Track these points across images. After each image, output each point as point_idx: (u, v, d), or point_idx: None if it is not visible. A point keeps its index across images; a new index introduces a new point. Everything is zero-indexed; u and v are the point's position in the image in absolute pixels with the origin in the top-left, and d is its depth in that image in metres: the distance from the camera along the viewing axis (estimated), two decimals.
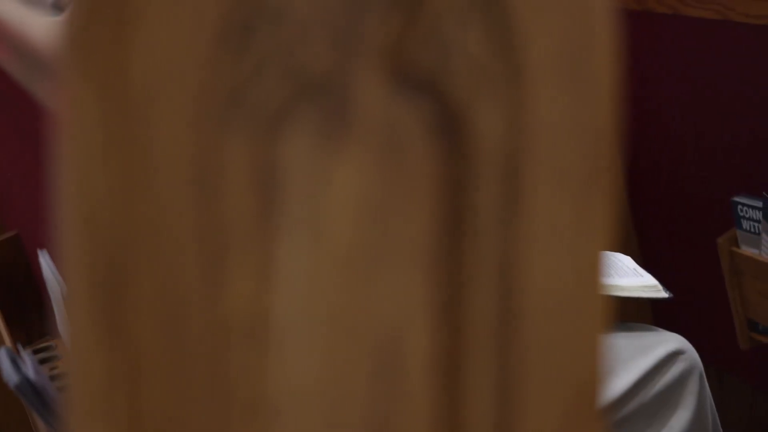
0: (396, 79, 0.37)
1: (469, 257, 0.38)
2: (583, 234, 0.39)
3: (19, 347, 1.38)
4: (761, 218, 1.36)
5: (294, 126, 0.36)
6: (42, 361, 1.55)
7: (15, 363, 1.03)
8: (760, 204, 1.35)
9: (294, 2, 0.35)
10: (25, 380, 1.00)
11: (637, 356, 1.05)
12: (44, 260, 1.22)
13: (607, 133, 0.39)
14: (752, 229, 1.40)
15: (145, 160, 0.33)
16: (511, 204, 0.38)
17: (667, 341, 1.08)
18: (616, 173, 0.40)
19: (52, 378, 1.39)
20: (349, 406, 0.38)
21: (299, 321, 0.37)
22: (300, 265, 0.37)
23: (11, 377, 1.03)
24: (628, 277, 1.10)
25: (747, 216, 1.40)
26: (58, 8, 0.71)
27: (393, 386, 0.39)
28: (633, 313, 1.88)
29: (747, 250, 1.42)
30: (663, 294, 1.10)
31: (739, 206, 1.41)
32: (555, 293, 0.39)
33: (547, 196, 0.38)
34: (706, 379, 1.10)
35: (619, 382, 1.03)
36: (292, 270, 0.37)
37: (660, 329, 1.11)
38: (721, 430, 1.14)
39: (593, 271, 0.40)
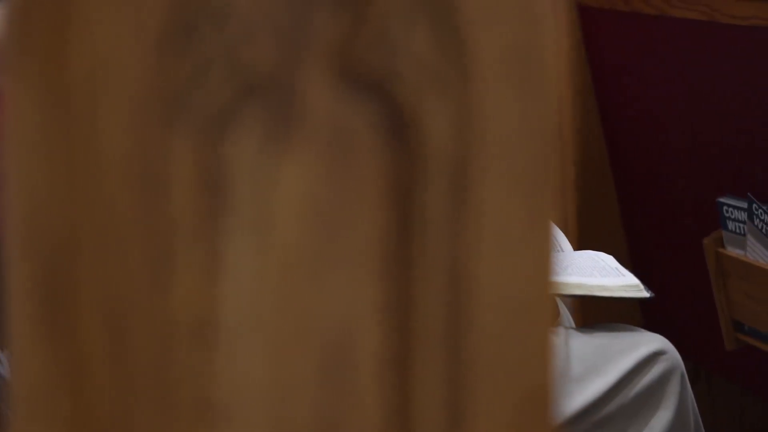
0: (344, 79, 0.37)
1: (418, 258, 0.38)
2: (534, 234, 0.39)
3: None
4: (746, 219, 1.36)
5: (240, 126, 0.36)
6: None
7: None
8: (745, 205, 1.35)
9: (238, 3, 0.35)
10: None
11: (617, 357, 1.06)
12: None
13: (557, 133, 0.39)
14: (738, 230, 1.40)
15: (87, 161, 0.33)
16: (459, 204, 0.38)
17: (648, 342, 1.08)
18: (567, 173, 0.40)
19: None
20: (298, 406, 0.38)
21: (246, 321, 0.37)
22: (247, 266, 0.37)
23: None
24: (610, 276, 1.10)
25: (732, 217, 1.40)
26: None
27: (343, 387, 0.39)
28: (623, 314, 1.88)
29: (733, 251, 1.42)
30: (644, 294, 1.10)
31: (725, 207, 1.41)
32: (504, 294, 0.39)
33: (495, 196, 0.38)
34: (687, 380, 1.10)
35: (600, 382, 1.03)
36: (239, 270, 0.37)
37: (641, 330, 1.11)
38: (703, 430, 1.14)
39: (544, 271, 0.40)
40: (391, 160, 0.37)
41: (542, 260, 0.40)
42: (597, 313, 1.84)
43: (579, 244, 1.86)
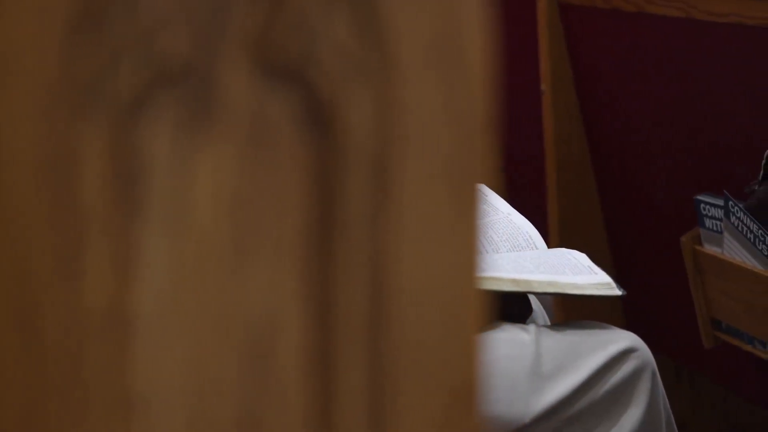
0: (262, 68, 0.36)
1: (340, 251, 0.38)
2: (459, 228, 0.39)
3: None
4: (723, 217, 1.35)
5: (155, 116, 0.35)
6: None
7: None
8: (721, 203, 1.35)
9: None
10: None
11: (588, 354, 1.05)
12: None
13: (482, 125, 0.38)
14: (715, 228, 1.40)
15: None
16: (381, 196, 0.37)
17: (620, 339, 1.07)
18: (492, 166, 0.39)
19: None
20: (218, 399, 0.37)
21: (163, 315, 0.36)
22: (164, 258, 0.36)
23: None
24: (583, 274, 1.10)
25: (710, 215, 1.40)
26: None
27: (265, 380, 0.38)
28: (604, 313, 1.87)
29: (710, 249, 1.42)
30: (617, 292, 1.09)
31: (702, 205, 1.41)
32: (428, 289, 0.38)
33: (418, 188, 0.38)
34: (659, 378, 1.09)
35: (570, 379, 1.03)
36: (155, 263, 0.36)
37: (613, 327, 1.11)
38: (675, 429, 1.14)
39: (469, 266, 0.39)
40: (312, 150, 0.37)
41: (467, 255, 0.39)
42: (579, 311, 1.84)
43: (560, 242, 1.86)
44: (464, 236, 0.39)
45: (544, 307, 1.35)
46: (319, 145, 0.37)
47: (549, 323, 1.22)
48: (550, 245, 1.86)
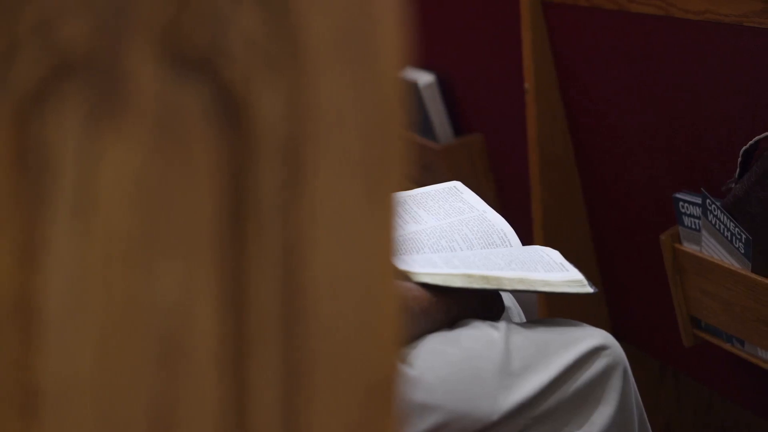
0: (170, 58, 0.36)
1: (253, 242, 0.37)
2: (373, 218, 0.38)
3: None
4: (701, 215, 1.35)
5: (60, 106, 0.35)
6: None
7: None
8: (699, 200, 1.34)
9: None
10: None
11: (559, 351, 1.05)
12: None
13: (394, 116, 0.38)
14: (693, 226, 1.39)
15: None
16: (293, 187, 0.37)
17: (590, 337, 1.07)
18: (406, 157, 0.39)
19: None
20: (130, 396, 0.37)
21: (71, 309, 0.36)
22: (71, 251, 0.36)
23: None
24: (554, 271, 1.09)
25: (688, 212, 1.40)
26: None
27: (178, 375, 0.38)
28: (589, 311, 1.87)
29: (689, 247, 1.41)
30: (588, 289, 1.09)
31: (681, 203, 1.40)
32: (342, 281, 0.38)
33: (331, 179, 0.37)
34: (631, 375, 1.09)
35: (540, 377, 1.02)
36: (62, 255, 0.36)
37: (584, 325, 1.10)
38: (649, 427, 1.13)
39: (384, 257, 0.39)
40: (223, 141, 0.37)
41: (383, 246, 0.39)
42: (562, 309, 1.84)
43: (545, 240, 1.85)
44: (380, 229, 0.39)
45: (526, 305, 1.35)
46: (230, 136, 0.37)
47: (525, 320, 1.22)
48: (534, 243, 1.86)
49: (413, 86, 2.20)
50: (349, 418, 0.38)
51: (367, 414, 0.39)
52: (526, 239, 1.86)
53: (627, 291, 1.80)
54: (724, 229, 1.30)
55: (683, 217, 1.41)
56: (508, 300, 1.23)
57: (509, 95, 1.87)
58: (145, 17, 0.35)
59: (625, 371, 1.08)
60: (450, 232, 1.18)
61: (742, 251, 1.28)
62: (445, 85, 2.20)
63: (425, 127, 2.25)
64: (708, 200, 1.31)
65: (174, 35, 0.36)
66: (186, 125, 0.36)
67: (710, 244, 1.35)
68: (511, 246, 1.19)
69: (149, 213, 0.36)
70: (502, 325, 1.06)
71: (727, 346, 1.42)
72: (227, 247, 0.37)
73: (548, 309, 1.86)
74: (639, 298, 1.77)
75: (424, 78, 2.20)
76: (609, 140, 1.65)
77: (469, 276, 1.05)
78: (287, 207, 0.37)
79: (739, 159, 1.25)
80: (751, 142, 1.23)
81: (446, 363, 1.01)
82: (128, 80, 0.35)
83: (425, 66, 2.23)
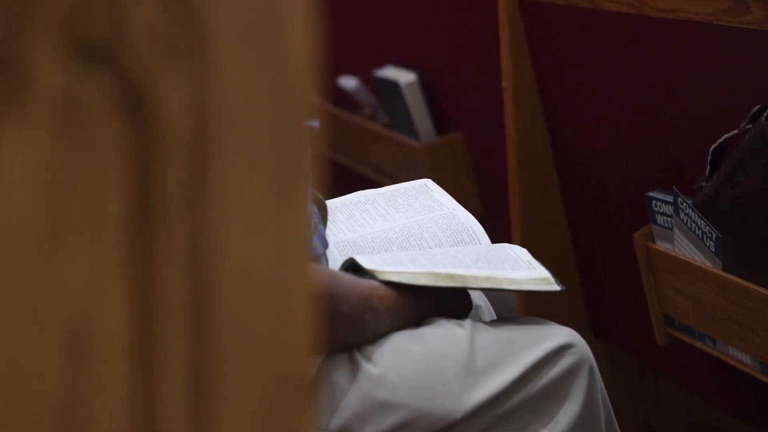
0: (74, 49, 0.36)
1: (160, 236, 0.37)
2: (282, 213, 0.38)
3: None
4: (673, 213, 1.35)
5: None
6: None
7: None
8: (671, 199, 1.34)
9: None
10: None
11: (524, 349, 1.04)
12: None
13: (303, 109, 0.38)
14: (666, 225, 1.39)
15: None
16: (200, 180, 0.37)
17: (556, 335, 1.07)
18: (318, 152, 0.39)
19: None
20: (33, 390, 0.37)
21: None
22: None
23: None
24: (521, 269, 1.09)
25: (661, 211, 1.40)
26: None
27: (86, 368, 0.38)
28: (567, 310, 1.87)
29: (662, 246, 1.41)
30: (555, 287, 1.08)
31: (654, 201, 1.40)
32: (250, 276, 0.38)
33: (238, 172, 0.37)
34: (597, 374, 1.09)
35: (505, 375, 1.02)
36: None
37: (551, 323, 1.10)
38: (617, 428, 1.13)
39: (294, 253, 0.39)
40: (127, 134, 0.36)
41: (292, 241, 0.39)
42: (541, 307, 1.83)
43: (523, 238, 1.85)
44: (289, 222, 0.39)
45: (504, 303, 1.35)
46: (136, 129, 0.36)
47: (495, 318, 1.22)
48: (512, 241, 1.86)
49: (395, 85, 2.20)
50: (259, 411, 0.38)
51: (277, 407, 0.38)
52: (506, 237, 1.86)
53: (605, 289, 1.80)
54: (695, 228, 1.30)
55: (656, 215, 1.41)
56: (478, 298, 1.23)
57: (489, 94, 1.87)
58: (46, 8, 0.35)
59: (591, 369, 1.08)
60: (419, 230, 1.18)
61: (713, 250, 1.28)
62: (427, 84, 2.20)
63: (407, 125, 2.25)
64: (679, 199, 1.31)
65: (75, 26, 0.35)
66: (90, 117, 0.36)
67: (682, 242, 1.35)
68: (480, 244, 1.19)
69: (54, 207, 0.36)
70: (467, 323, 1.06)
71: (700, 345, 1.42)
72: (134, 241, 0.37)
73: (526, 307, 1.86)
74: (617, 296, 1.77)
75: (406, 77, 2.20)
76: (586, 138, 1.65)
77: (435, 274, 1.05)
78: (194, 200, 0.37)
79: (709, 158, 1.25)
80: (720, 141, 1.23)
81: (410, 361, 1.01)
82: (28, 72, 0.35)
83: (407, 65, 2.23)
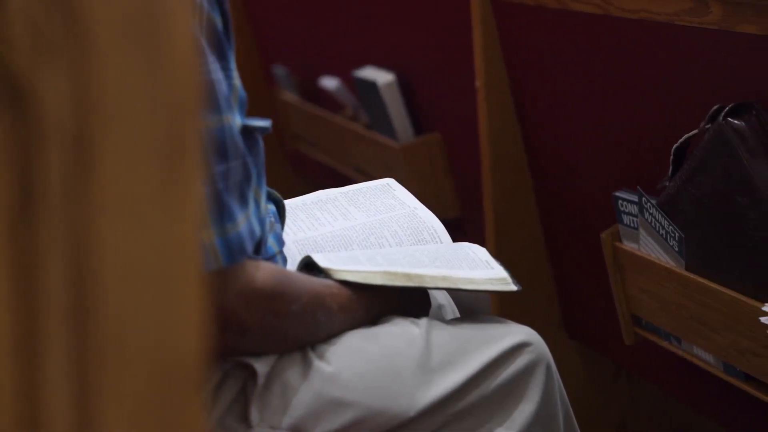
0: None
1: (42, 231, 0.37)
2: (166, 208, 0.38)
3: None
4: (638, 213, 1.35)
5: None
6: None
7: None
8: (637, 199, 1.34)
9: None
10: None
11: (480, 348, 1.04)
12: None
13: (188, 107, 0.38)
14: (632, 224, 1.40)
15: None
16: (81, 177, 0.37)
17: (513, 333, 1.07)
18: (202, 149, 0.39)
19: None
20: None
21: None
22: None
23: None
24: (479, 269, 1.09)
25: (627, 211, 1.40)
26: None
27: None
28: (541, 311, 1.87)
29: (628, 245, 1.41)
30: (512, 287, 1.08)
31: (620, 201, 1.41)
32: (134, 268, 0.38)
33: (120, 168, 0.37)
34: (555, 372, 1.09)
35: (460, 373, 1.02)
36: None
37: (509, 321, 1.10)
38: (576, 426, 1.13)
39: (182, 242, 0.39)
40: (7, 126, 0.37)
41: (179, 234, 0.39)
42: (517, 306, 1.83)
43: (496, 239, 1.85)
44: (176, 214, 0.39)
45: (479, 301, 1.34)
46: (14, 122, 0.36)
47: (458, 317, 1.22)
48: (486, 241, 1.86)
49: (373, 85, 2.20)
50: (144, 400, 0.38)
51: (163, 395, 0.39)
52: (482, 237, 1.86)
53: (579, 289, 1.80)
54: (659, 227, 1.30)
55: (623, 215, 1.41)
56: (442, 298, 1.23)
57: (464, 94, 1.88)
58: None
59: (548, 368, 1.08)
60: (380, 228, 1.18)
61: (677, 249, 1.28)
62: (405, 84, 2.20)
63: (385, 125, 2.25)
64: (644, 198, 1.32)
65: None
66: None
67: (647, 242, 1.35)
68: (441, 243, 1.19)
69: None
70: (423, 321, 1.06)
71: (666, 344, 1.42)
72: (18, 239, 0.37)
73: (500, 307, 1.86)
74: (590, 296, 1.78)
75: (384, 77, 2.20)
76: (557, 138, 1.65)
77: (391, 274, 1.05)
78: (76, 195, 0.37)
79: (671, 157, 1.25)
80: (681, 140, 1.23)
81: (364, 360, 1.01)
82: None
83: (385, 65, 2.23)
